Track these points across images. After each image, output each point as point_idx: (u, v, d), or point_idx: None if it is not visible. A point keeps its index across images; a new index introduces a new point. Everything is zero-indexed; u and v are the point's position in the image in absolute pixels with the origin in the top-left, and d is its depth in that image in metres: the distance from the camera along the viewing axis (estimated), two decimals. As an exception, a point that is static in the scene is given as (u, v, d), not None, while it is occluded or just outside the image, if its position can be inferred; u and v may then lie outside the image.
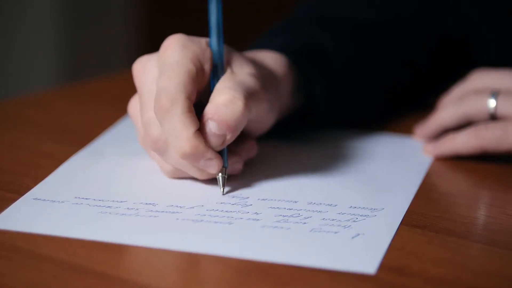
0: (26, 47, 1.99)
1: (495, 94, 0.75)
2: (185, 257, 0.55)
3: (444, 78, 0.92)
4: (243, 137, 0.67)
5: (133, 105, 0.68)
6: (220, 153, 0.64)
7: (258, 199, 0.64)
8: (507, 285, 0.53)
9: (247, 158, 0.68)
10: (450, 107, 0.77)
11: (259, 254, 0.55)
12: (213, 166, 0.63)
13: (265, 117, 0.68)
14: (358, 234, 0.58)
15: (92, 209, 0.61)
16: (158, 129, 0.63)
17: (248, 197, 0.64)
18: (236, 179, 0.67)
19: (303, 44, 0.77)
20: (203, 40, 0.66)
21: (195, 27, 1.03)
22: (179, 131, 0.61)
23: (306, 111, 0.76)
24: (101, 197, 0.63)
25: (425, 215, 0.62)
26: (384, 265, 0.54)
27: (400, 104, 0.87)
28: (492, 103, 0.75)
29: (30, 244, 0.55)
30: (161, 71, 0.63)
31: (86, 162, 0.69)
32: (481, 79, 0.78)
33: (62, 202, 0.62)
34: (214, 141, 0.63)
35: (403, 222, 0.61)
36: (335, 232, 0.59)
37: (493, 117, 0.75)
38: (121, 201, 0.62)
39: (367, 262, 0.54)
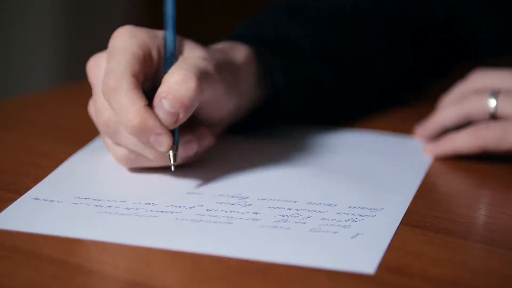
0: (26, 47, 1.99)
1: (495, 93, 0.75)
2: (184, 257, 0.55)
3: (433, 69, 0.93)
4: (197, 124, 0.67)
5: (92, 105, 0.68)
6: (172, 131, 0.64)
7: (258, 198, 0.64)
8: (507, 285, 0.53)
9: (204, 148, 0.68)
10: (450, 107, 0.77)
11: (258, 254, 0.55)
12: (163, 143, 0.63)
13: (220, 101, 0.68)
14: (358, 234, 0.58)
15: (91, 209, 0.61)
16: (109, 111, 0.64)
17: (247, 197, 0.64)
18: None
19: (271, 34, 0.78)
20: (153, 30, 0.67)
21: (195, 27, 1.03)
22: (127, 106, 0.62)
23: (272, 102, 0.76)
24: (100, 197, 0.63)
25: (425, 215, 0.62)
26: (384, 265, 0.54)
27: (386, 97, 0.87)
28: (492, 102, 0.75)
29: (30, 244, 0.55)
30: (109, 56, 0.64)
31: (86, 162, 0.69)
32: (481, 78, 0.78)
33: (62, 202, 0.62)
34: (167, 119, 0.63)
35: (403, 222, 0.61)
36: (335, 232, 0.59)
37: (493, 116, 0.75)
38: (121, 201, 0.62)
39: (367, 262, 0.54)
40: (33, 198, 0.62)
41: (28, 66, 2.01)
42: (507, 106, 0.74)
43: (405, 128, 0.81)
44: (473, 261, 0.57)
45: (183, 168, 0.68)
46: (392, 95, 0.89)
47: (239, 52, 0.73)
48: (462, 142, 0.74)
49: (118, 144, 0.65)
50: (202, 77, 0.64)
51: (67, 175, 0.67)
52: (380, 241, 0.57)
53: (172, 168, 0.64)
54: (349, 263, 0.54)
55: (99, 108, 0.65)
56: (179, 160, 0.65)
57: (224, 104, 0.69)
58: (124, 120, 0.62)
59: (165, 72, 0.65)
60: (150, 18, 2.25)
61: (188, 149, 0.66)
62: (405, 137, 0.80)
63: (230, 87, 0.69)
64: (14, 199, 0.62)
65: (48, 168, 0.67)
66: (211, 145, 0.68)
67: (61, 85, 1.99)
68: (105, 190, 0.64)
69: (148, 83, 0.66)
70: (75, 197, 0.62)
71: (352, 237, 0.58)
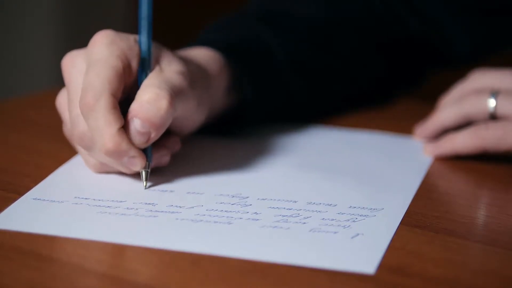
0: (26, 47, 1.99)
1: (495, 93, 0.75)
2: (185, 257, 0.55)
3: (405, 77, 0.93)
4: (169, 133, 0.67)
5: (61, 97, 0.68)
6: (145, 148, 0.64)
7: (258, 198, 0.64)
8: (507, 285, 0.53)
9: (174, 153, 0.68)
10: (450, 107, 0.77)
11: (258, 254, 0.55)
12: (136, 164, 0.63)
13: (193, 115, 0.68)
14: (358, 234, 0.58)
15: (91, 209, 0.61)
16: (85, 125, 0.63)
17: (247, 197, 0.64)
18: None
19: (244, 42, 0.78)
20: (131, 37, 0.66)
21: (195, 27, 1.03)
22: (103, 128, 0.62)
23: (238, 110, 0.76)
24: (100, 197, 0.63)
25: (425, 215, 0.62)
26: (384, 265, 0.54)
27: (355, 105, 0.87)
28: (492, 103, 0.75)
29: (30, 244, 0.55)
30: (88, 67, 0.63)
31: (86, 162, 0.69)
32: (480, 78, 0.78)
33: (62, 202, 0.62)
34: (138, 138, 0.63)
35: (403, 222, 0.61)
36: (335, 232, 0.59)
37: (493, 116, 0.75)
38: (121, 201, 0.62)
39: (367, 262, 0.54)
40: (33, 198, 0.62)
41: (28, 66, 2.01)
42: (507, 106, 0.74)
43: (405, 128, 0.81)
44: (473, 261, 0.57)
45: (183, 169, 0.68)
46: (361, 101, 0.89)
47: (213, 63, 0.73)
48: (462, 142, 0.74)
49: (91, 156, 0.65)
50: (175, 94, 0.64)
51: (68, 175, 0.67)
52: (380, 241, 0.57)
53: (144, 187, 0.64)
54: (349, 263, 0.54)
55: (75, 119, 0.63)
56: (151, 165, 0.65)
57: (196, 117, 0.69)
58: (99, 141, 0.62)
59: (139, 79, 0.65)
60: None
61: (162, 163, 0.67)
62: (405, 137, 0.80)
63: (202, 100, 0.69)
64: (14, 199, 0.62)
65: (48, 168, 0.67)
66: (179, 150, 0.68)
67: (61, 85, 1.99)
68: (105, 190, 0.64)
69: (126, 91, 0.65)
70: (75, 197, 0.62)
71: (352, 237, 0.58)
